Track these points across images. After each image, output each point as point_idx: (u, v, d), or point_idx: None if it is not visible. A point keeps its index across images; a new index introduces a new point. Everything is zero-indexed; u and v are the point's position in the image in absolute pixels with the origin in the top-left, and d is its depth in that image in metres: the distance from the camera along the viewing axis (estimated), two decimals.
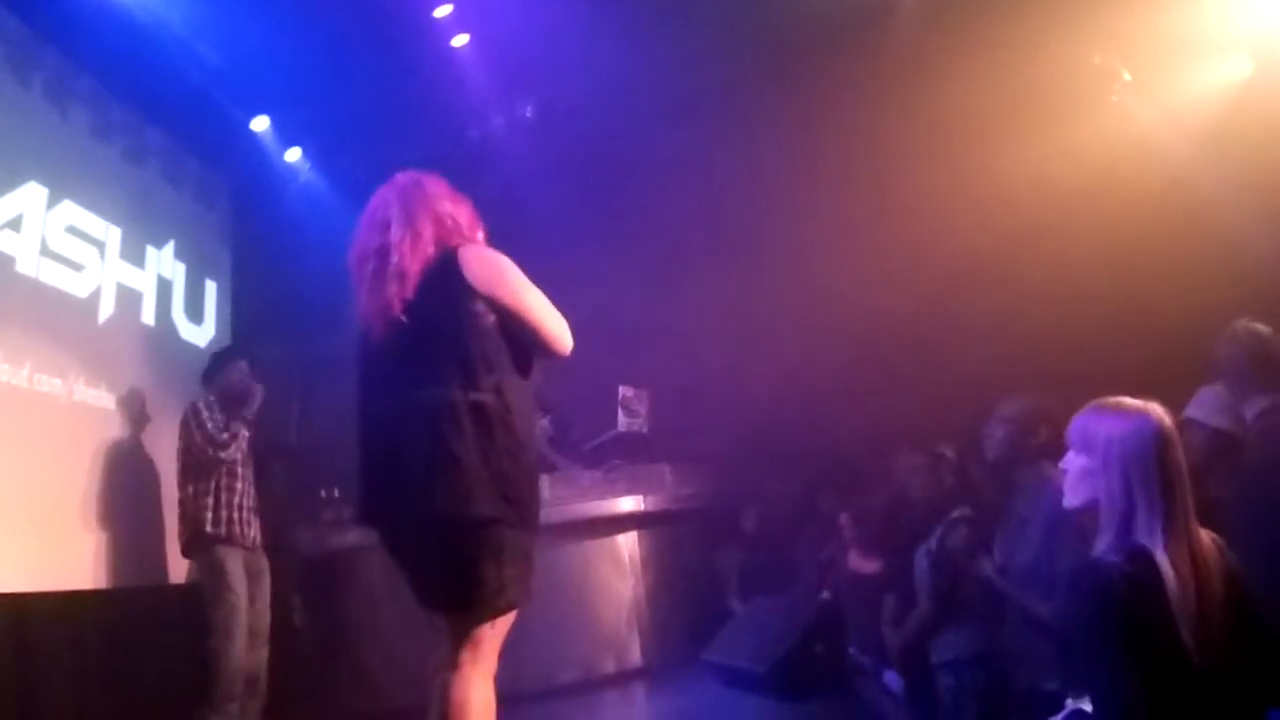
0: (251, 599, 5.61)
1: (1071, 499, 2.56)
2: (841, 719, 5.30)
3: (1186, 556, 2.34)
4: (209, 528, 5.50)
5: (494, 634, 2.96)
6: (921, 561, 5.13)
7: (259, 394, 5.86)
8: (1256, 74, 6.35)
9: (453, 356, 2.96)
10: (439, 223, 3.19)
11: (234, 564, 5.51)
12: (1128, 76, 6.90)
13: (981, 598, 4.62)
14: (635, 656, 6.64)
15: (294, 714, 6.12)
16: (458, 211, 3.27)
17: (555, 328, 3.13)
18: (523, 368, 3.09)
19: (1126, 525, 2.37)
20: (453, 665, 2.94)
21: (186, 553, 5.68)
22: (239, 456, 5.69)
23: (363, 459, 3.14)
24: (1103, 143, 6.70)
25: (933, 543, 5.11)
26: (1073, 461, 2.56)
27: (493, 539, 2.91)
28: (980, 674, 4.57)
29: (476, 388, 2.93)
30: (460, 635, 2.95)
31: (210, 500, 5.54)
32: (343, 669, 6.51)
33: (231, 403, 5.77)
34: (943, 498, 5.68)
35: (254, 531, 5.74)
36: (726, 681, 5.83)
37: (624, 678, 6.53)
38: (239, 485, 5.68)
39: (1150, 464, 2.38)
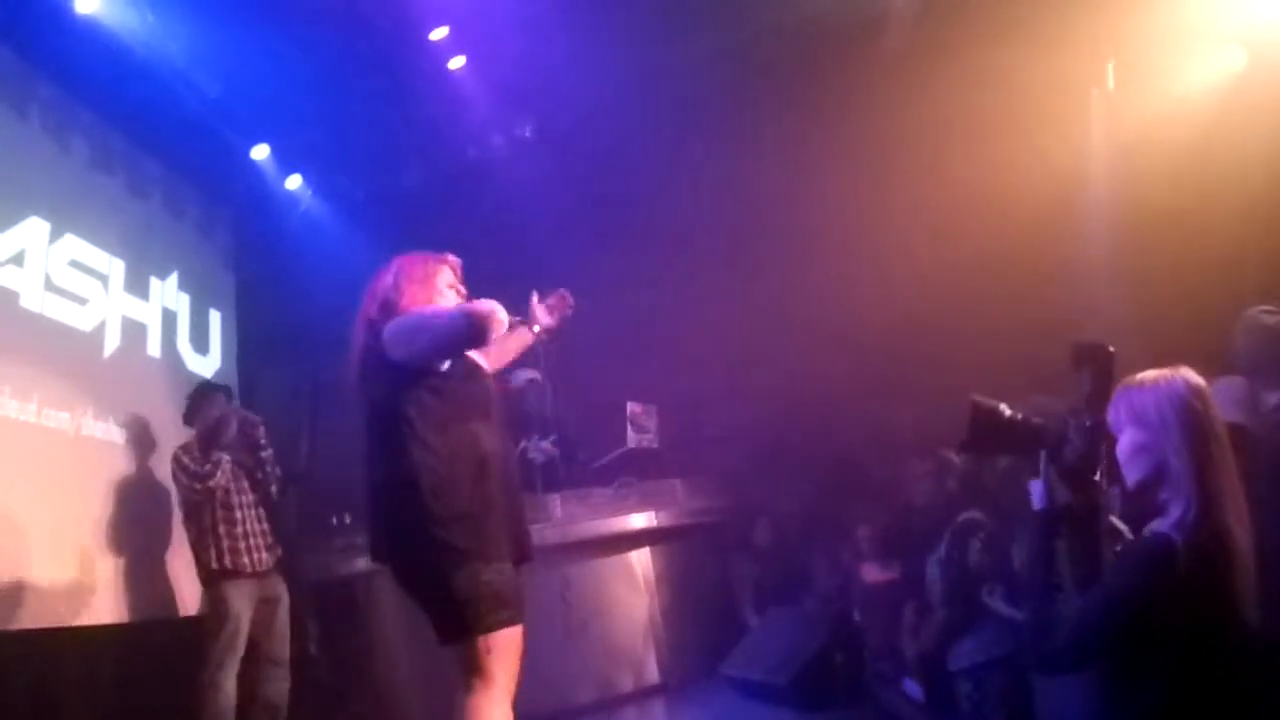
0: (268, 627, 5.58)
1: (1131, 477, 2.53)
2: None
3: (1244, 512, 2.40)
4: (214, 564, 5.48)
5: (491, 657, 3.09)
6: (933, 569, 5.11)
7: (232, 420, 5.76)
8: (1250, 65, 6.33)
9: (389, 428, 3.23)
10: (368, 310, 3.42)
11: (237, 598, 5.47)
12: (1111, 83, 6.90)
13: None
14: (653, 673, 6.60)
15: None
16: (403, 290, 3.42)
17: (451, 337, 3.27)
18: (456, 423, 3.26)
19: (1195, 486, 2.38)
20: (464, 690, 3.09)
21: (202, 587, 5.68)
22: (229, 485, 5.62)
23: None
24: (1102, 137, 6.70)
25: (942, 549, 5.09)
26: (1123, 442, 2.54)
27: (441, 575, 3.11)
28: (1000, 679, 4.53)
29: (400, 461, 3.18)
30: (461, 661, 3.11)
31: (210, 539, 5.50)
32: (357, 694, 6.48)
33: (209, 438, 5.69)
34: (948, 503, 5.66)
35: (264, 555, 5.67)
36: (746, 694, 5.82)
37: (642, 695, 6.49)
38: (237, 515, 5.61)
39: (1200, 420, 2.43)
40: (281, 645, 5.66)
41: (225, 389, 6.12)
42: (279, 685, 5.58)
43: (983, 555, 4.81)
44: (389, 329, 3.27)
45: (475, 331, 3.22)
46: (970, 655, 4.72)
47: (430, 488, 3.13)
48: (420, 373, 3.25)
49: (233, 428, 5.74)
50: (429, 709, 5.79)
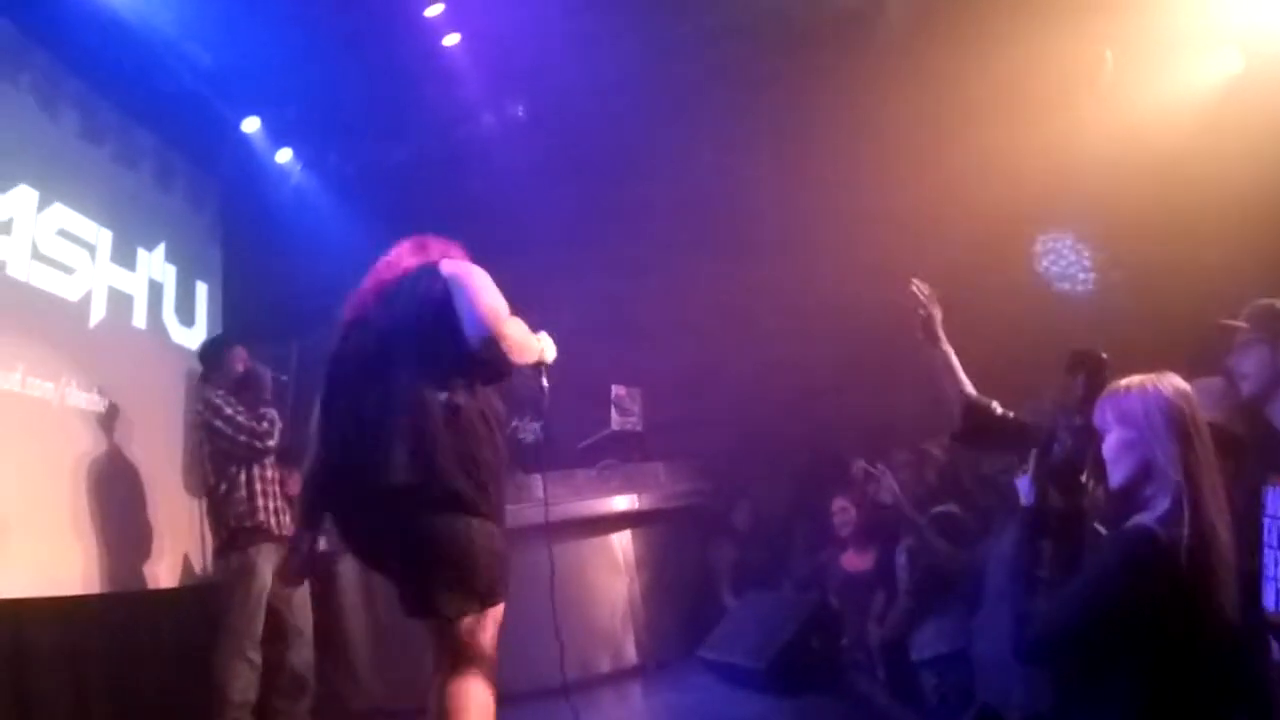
0: (288, 596, 5.32)
1: (1117, 476, 2.56)
2: (837, 714, 5.32)
3: (1226, 511, 2.45)
4: (247, 522, 5.20)
5: (479, 636, 2.98)
6: (900, 557, 5.15)
7: (266, 376, 5.60)
8: (1247, 69, 6.35)
9: (435, 363, 3.11)
10: (429, 253, 3.44)
11: (262, 561, 5.19)
12: (1106, 82, 6.90)
13: (960, 594, 4.62)
14: (631, 655, 6.64)
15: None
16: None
17: (516, 351, 3.20)
18: (469, 387, 3.15)
19: (1181, 482, 2.42)
20: (446, 669, 2.96)
21: (220, 553, 5.32)
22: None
23: (329, 450, 3.21)
24: (1095, 137, 6.70)
25: (911, 539, 5.13)
26: (1110, 440, 2.58)
27: (457, 527, 2.96)
28: (962, 669, 4.55)
29: (453, 389, 3.06)
30: (445, 638, 2.98)
31: (244, 493, 5.24)
32: (336, 671, 6.49)
33: (244, 391, 5.48)
34: (927, 495, 5.69)
35: (286, 519, 5.35)
36: (723, 678, 5.85)
37: (620, 676, 6.53)
38: (270, 474, 5.38)
39: (1186, 420, 2.49)
40: (305, 614, 5.46)
41: (244, 344, 5.84)
42: (305, 654, 5.40)
43: (950, 549, 4.85)
44: (477, 308, 3.13)
45: (522, 361, 3.23)
46: (933, 645, 4.74)
47: (475, 428, 3.04)
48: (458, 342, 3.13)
49: (267, 382, 5.59)
50: (405, 683, 5.80)
